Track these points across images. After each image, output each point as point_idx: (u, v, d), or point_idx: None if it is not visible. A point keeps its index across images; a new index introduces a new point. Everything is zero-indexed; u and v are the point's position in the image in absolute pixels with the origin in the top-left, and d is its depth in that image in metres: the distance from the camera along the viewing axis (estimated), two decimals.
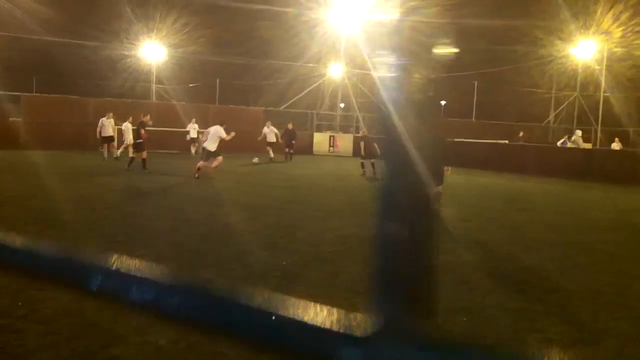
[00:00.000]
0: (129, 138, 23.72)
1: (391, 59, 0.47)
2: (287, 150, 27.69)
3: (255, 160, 25.02)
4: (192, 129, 28.34)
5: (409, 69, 0.47)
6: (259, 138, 27.22)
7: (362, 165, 21.68)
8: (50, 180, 14.17)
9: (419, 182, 0.46)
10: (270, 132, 26.92)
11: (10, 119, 29.36)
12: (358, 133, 39.46)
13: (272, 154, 26.25)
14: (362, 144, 22.02)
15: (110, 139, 24.88)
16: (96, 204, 11.66)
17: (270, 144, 26.70)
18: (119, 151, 24.29)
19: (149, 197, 13.51)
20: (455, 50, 0.48)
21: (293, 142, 28.07)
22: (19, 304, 5.46)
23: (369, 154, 21.38)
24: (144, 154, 18.91)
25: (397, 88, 0.46)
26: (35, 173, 16.06)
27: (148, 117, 19.56)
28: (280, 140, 27.53)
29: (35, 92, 41.36)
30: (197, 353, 4.51)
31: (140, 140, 19.09)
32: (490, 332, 5.35)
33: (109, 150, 24.41)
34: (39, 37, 42.28)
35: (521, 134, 34.30)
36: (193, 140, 28.00)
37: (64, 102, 29.84)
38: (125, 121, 24.52)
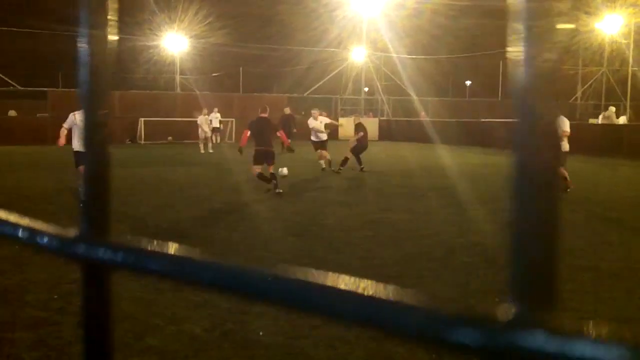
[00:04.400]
0: (206, 130, 24.36)
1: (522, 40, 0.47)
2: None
3: (284, 172, 14.12)
4: (215, 119, 27.61)
5: (538, 50, 0.46)
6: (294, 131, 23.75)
7: (345, 162, 17.15)
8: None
9: (554, 166, 0.47)
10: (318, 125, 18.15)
11: (38, 114, 29.82)
12: (383, 116, 39.36)
13: (324, 162, 17.70)
14: (361, 134, 17.46)
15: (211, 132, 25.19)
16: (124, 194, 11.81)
17: (317, 145, 18.12)
18: (203, 145, 24.43)
19: (173, 187, 13.63)
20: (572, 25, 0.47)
21: (294, 130, 23.80)
22: (55, 296, 5.57)
23: (361, 149, 17.41)
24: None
25: (531, 70, 0.46)
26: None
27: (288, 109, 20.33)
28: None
29: (61, 88, 41.86)
30: (231, 341, 4.57)
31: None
32: None
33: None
34: (61, 32, 42.75)
35: None
36: (215, 130, 26.83)
37: None
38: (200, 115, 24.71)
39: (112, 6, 0.75)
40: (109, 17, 0.75)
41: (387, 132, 35.75)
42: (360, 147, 17.49)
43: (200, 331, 4.74)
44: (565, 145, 12.05)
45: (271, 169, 12.38)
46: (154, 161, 19.96)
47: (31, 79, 33.69)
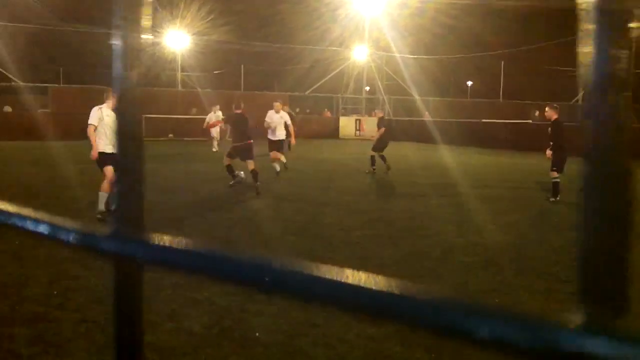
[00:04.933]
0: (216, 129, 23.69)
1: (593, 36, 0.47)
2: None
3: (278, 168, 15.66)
4: (216, 117, 27.23)
5: (610, 50, 0.46)
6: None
7: (373, 160, 16.73)
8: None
9: (626, 167, 0.46)
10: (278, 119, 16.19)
11: (39, 110, 29.83)
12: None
13: (278, 164, 15.91)
14: (382, 129, 16.93)
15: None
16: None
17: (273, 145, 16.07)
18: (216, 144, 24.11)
19: (178, 185, 13.62)
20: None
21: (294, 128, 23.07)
22: (55, 292, 5.58)
23: (383, 145, 16.89)
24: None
25: (600, 65, 0.46)
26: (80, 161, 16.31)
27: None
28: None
29: (62, 84, 41.84)
30: (230, 339, 4.57)
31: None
32: None
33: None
34: (63, 28, 42.76)
35: (537, 113, 33.70)
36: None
37: (90, 93, 30.19)
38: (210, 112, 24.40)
39: (147, 5, 0.75)
40: (142, 15, 0.75)
41: (388, 132, 35.74)
42: (381, 142, 16.89)
43: (199, 328, 4.74)
44: None
45: (252, 166, 12.41)
46: (155, 158, 19.94)
47: (32, 74, 33.64)
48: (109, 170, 9.26)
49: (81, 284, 5.86)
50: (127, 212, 0.74)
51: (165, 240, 0.68)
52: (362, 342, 4.54)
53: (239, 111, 12.70)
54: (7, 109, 31.01)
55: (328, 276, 0.58)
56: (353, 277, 0.56)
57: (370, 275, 0.55)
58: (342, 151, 25.38)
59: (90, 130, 9.35)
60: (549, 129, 11.90)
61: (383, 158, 16.62)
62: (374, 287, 0.54)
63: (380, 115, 18.46)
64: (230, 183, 12.90)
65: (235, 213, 10.13)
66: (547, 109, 12.14)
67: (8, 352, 4.29)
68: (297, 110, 32.54)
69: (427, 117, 36.52)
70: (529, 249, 7.84)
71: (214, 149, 23.78)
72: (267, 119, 15.67)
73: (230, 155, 12.68)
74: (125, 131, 0.76)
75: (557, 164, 11.63)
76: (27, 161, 17.88)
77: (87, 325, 4.76)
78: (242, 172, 12.98)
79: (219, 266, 0.64)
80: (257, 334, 4.64)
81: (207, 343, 4.49)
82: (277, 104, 16.20)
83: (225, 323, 4.86)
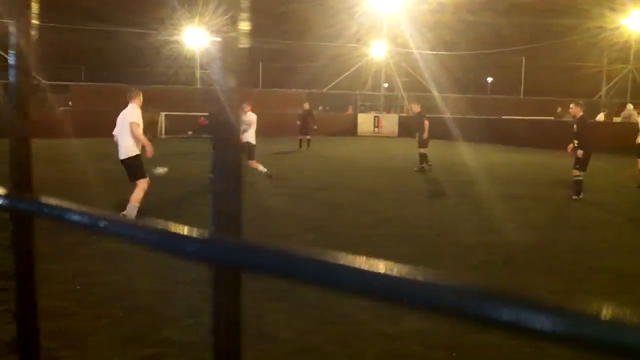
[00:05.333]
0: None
1: None
2: (304, 137, 23.34)
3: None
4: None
5: None
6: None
7: (424, 158, 16.35)
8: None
9: None
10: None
11: (61, 108, 30.18)
12: (402, 113, 39.20)
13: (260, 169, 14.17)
14: (426, 122, 16.42)
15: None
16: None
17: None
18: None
19: (195, 182, 13.69)
20: None
21: (314, 126, 23.34)
22: (78, 287, 5.66)
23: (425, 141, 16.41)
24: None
25: None
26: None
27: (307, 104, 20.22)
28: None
29: (84, 82, 42.27)
30: (246, 335, 4.59)
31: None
32: None
33: None
34: (85, 27, 43.17)
35: (559, 109, 33.32)
36: None
37: (111, 91, 30.49)
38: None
39: (243, 10, 0.75)
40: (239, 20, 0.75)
41: (407, 129, 35.59)
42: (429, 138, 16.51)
43: None
44: None
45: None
46: (176, 155, 20.05)
47: (54, 72, 34.01)
48: (146, 181, 8.93)
49: (102, 279, 5.94)
50: (226, 216, 0.72)
51: (264, 245, 0.67)
52: (379, 340, 4.55)
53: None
54: None
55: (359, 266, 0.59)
56: (380, 266, 0.58)
57: (389, 262, 0.56)
58: (360, 148, 25.32)
59: (138, 129, 8.84)
60: (575, 126, 11.70)
61: (422, 156, 16.34)
62: (394, 274, 0.55)
63: (418, 110, 17.35)
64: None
65: (252, 210, 10.16)
66: (572, 105, 11.87)
67: None
68: (320, 108, 32.57)
69: (446, 114, 36.34)
70: (549, 248, 7.79)
71: None
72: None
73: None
74: (223, 135, 0.74)
75: (581, 163, 11.44)
76: (48, 159, 18.10)
77: (106, 320, 4.83)
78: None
79: (324, 273, 0.63)
80: (273, 331, 4.68)
81: None
82: (245, 105, 15.22)
83: (242, 319, 4.89)
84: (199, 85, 41.64)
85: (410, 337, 4.60)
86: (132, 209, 8.71)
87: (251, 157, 13.51)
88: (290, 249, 0.61)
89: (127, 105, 9.26)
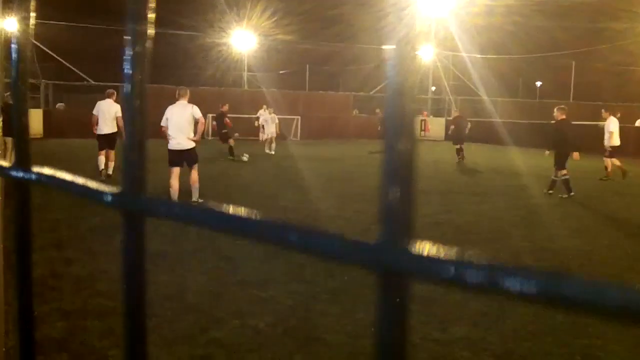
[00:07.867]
0: (271, 131, 23.49)
1: None
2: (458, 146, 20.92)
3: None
4: (271, 118, 25.99)
5: None
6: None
7: (459, 151, 20.31)
8: None
9: None
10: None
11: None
12: (450, 117, 38.80)
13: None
14: (452, 127, 21.07)
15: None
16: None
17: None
18: (272, 146, 23.41)
19: (239, 184, 13.80)
20: None
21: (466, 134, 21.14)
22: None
23: (458, 138, 20.52)
24: (232, 142, 19.50)
25: None
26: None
27: (227, 106, 20.02)
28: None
29: None
30: (294, 338, 4.58)
31: (226, 130, 19.75)
32: None
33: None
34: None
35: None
36: (262, 127, 25.54)
37: (161, 92, 31.00)
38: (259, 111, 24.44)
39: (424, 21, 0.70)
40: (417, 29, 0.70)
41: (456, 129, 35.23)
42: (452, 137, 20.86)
43: (264, 326, 4.77)
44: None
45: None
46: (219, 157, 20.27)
47: (101, 73, 34.80)
48: (177, 171, 9.82)
49: (151, 279, 5.97)
50: (396, 219, 0.67)
51: (433, 250, 0.61)
52: (428, 345, 4.47)
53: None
54: (60, 106, 32.01)
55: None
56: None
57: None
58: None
59: (204, 124, 10.35)
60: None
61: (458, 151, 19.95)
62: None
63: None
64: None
65: (298, 212, 10.16)
66: (555, 109, 14.24)
67: (81, 344, 4.43)
68: (377, 110, 32.47)
69: (495, 119, 35.77)
70: (600, 254, 7.56)
71: (270, 151, 23.13)
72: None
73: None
74: (398, 134, 0.68)
75: (559, 162, 12.95)
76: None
77: (155, 320, 4.88)
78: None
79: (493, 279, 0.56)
80: (322, 335, 4.64)
81: (272, 341, 4.52)
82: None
83: (290, 322, 4.88)
84: (246, 88, 42.09)
85: (459, 343, 4.51)
86: (196, 190, 10.14)
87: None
88: (458, 254, 0.57)
89: (174, 103, 10.02)
